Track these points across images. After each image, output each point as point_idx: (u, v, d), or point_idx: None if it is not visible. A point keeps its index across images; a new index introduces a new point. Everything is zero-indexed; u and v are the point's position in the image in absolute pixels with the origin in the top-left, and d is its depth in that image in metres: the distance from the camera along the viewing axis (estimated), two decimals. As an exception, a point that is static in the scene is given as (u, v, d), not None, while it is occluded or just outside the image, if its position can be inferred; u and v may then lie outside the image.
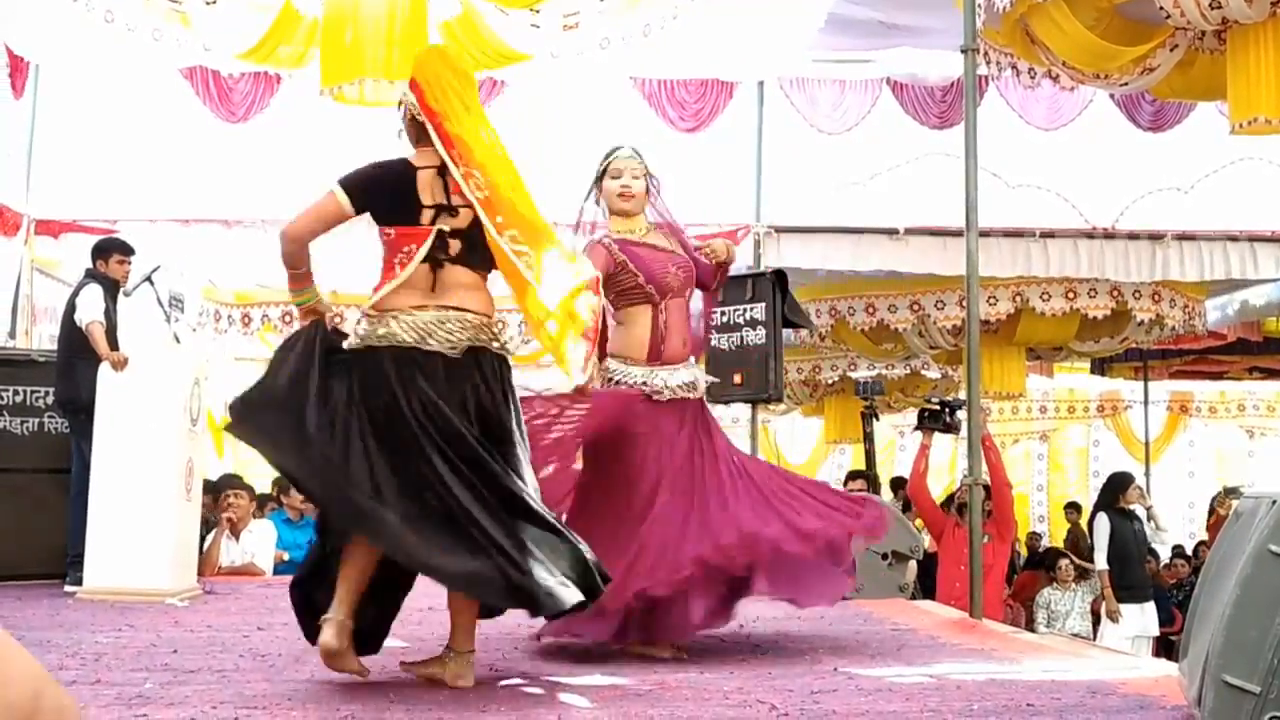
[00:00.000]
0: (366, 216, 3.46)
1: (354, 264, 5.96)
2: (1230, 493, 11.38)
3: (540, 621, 3.89)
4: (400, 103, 3.57)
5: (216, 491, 7.19)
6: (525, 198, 3.42)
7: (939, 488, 11.57)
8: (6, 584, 6.02)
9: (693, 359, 4.30)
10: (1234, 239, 9.71)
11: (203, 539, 6.64)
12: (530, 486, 3.34)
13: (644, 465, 4.10)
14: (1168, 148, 9.49)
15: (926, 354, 11.25)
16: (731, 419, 13.49)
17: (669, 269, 4.25)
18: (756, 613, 4.61)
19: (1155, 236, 9.64)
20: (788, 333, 8.61)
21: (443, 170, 3.38)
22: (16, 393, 6.49)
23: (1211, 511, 12.33)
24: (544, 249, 3.38)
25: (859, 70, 9.45)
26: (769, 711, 3.03)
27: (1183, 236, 9.67)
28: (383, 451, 3.22)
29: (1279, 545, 2.51)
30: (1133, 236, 9.67)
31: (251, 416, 3.42)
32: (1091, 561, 8.75)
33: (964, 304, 5.89)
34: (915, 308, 10.28)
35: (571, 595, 3.17)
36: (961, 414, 6.60)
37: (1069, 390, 16.13)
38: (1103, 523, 8.15)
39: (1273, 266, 9.81)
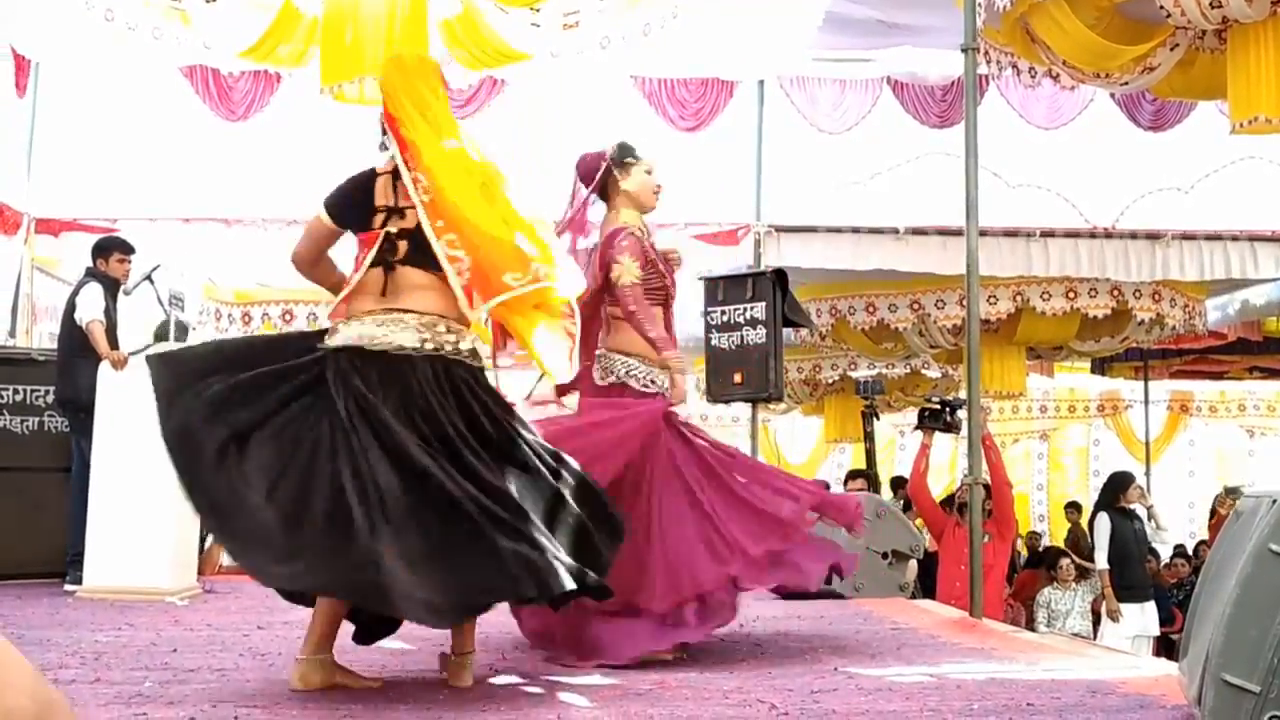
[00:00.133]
0: None
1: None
2: (1231, 493, 11.38)
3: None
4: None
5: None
6: (483, 208, 3.34)
7: (939, 487, 11.57)
8: (7, 582, 6.04)
9: None
10: (1234, 239, 9.71)
11: (203, 538, 6.63)
12: (488, 482, 3.20)
13: (652, 469, 4.10)
14: (1168, 147, 9.48)
15: (927, 353, 11.24)
16: (732, 418, 13.52)
17: (671, 271, 4.28)
18: (756, 613, 4.61)
19: (1155, 236, 9.64)
20: (788, 332, 8.60)
21: (397, 174, 3.41)
22: (17, 391, 6.50)
23: (1213, 512, 12.32)
24: (513, 273, 3.28)
25: (859, 69, 9.45)
26: (769, 711, 3.03)
27: (1183, 236, 9.67)
28: (315, 457, 3.17)
29: (1279, 544, 2.51)
30: (1133, 236, 9.67)
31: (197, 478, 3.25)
32: (1092, 561, 8.74)
33: (964, 303, 5.89)
34: (915, 307, 10.28)
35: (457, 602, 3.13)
36: (962, 413, 6.59)
37: (1069, 390, 16.13)
38: (1103, 522, 8.14)
39: (1273, 266, 9.81)
